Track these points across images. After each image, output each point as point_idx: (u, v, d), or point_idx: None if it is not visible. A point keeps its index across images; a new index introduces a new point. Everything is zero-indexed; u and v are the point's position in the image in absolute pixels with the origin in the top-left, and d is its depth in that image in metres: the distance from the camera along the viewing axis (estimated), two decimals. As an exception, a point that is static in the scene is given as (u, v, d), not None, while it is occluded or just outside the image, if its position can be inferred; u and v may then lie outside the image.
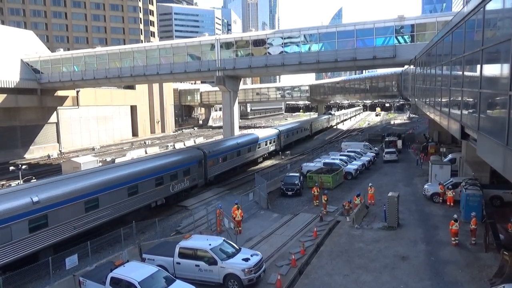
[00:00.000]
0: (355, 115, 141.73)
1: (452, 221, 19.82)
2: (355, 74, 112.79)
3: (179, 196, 31.62)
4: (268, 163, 50.83)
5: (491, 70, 11.13)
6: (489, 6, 11.07)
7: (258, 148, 48.80)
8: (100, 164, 43.26)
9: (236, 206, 24.05)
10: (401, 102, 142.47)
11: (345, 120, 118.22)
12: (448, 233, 20.87)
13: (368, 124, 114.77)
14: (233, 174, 42.40)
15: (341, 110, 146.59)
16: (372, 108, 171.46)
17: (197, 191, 35.02)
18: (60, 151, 66.53)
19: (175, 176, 30.51)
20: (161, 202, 29.29)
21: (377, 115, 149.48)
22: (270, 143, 53.12)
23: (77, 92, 67.47)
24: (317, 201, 28.84)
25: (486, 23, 11.32)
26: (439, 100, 21.41)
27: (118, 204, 24.85)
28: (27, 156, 61.67)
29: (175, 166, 30.74)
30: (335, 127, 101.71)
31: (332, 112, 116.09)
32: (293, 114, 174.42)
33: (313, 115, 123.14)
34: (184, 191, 32.14)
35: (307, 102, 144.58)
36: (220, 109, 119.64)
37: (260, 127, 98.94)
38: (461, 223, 19.76)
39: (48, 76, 58.05)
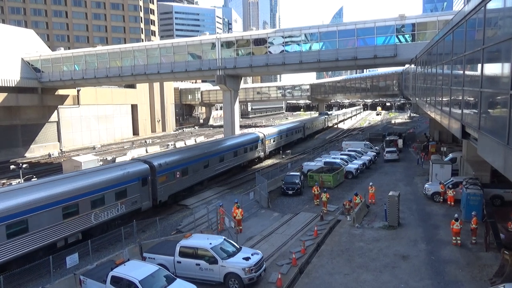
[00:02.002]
0: (355, 115, 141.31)
1: (453, 220, 19.81)
2: (356, 73, 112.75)
3: (111, 226, 24.49)
4: (268, 162, 50.81)
5: (492, 69, 11.11)
6: (490, 5, 11.05)
7: (235, 156, 41.52)
8: (101, 163, 43.27)
9: (236, 205, 24.05)
10: (402, 101, 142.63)
11: (344, 120, 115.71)
12: (448, 233, 20.87)
13: (369, 123, 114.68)
14: (200, 188, 35.59)
15: (341, 109, 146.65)
16: (373, 107, 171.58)
17: (197, 191, 34.97)
18: (60, 150, 66.59)
19: (100, 201, 23.47)
20: (76, 238, 22.09)
21: (377, 114, 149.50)
22: (251, 149, 46.07)
23: (78, 91, 67.51)
24: (318, 200, 28.85)
25: (487, 22, 11.30)
26: (440, 99, 21.38)
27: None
28: (28, 155, 61.74)
29: (100, 188, 23.56)
30: (335, 126, 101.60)
31: (329, 112, 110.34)
32: (294, 113, 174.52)
33: (314, 114, 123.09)
34: (120, 218, 25.07)
35: (307, 101, 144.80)
36: (220, 108, 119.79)
37: (260, 126, 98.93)
38: (462, 222, 19.73)
39: (48, 75, 58.09)
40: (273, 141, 54.04)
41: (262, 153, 50.00)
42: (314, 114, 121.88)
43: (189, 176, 32.90)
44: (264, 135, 50.33)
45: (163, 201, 29.28)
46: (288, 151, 56.98)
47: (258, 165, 48.20)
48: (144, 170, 27.53)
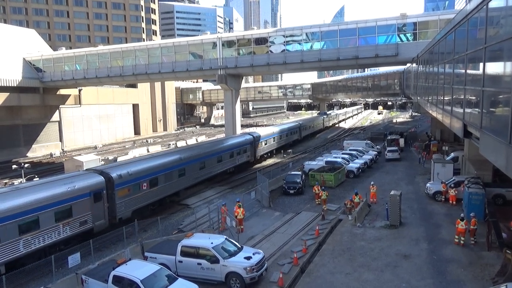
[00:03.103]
0: (356, 114, 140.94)
1: (459, 219, 19.73)
2: (357, 72, 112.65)
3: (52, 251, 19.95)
4: (270, 161, 50.81)
5: (494, 68, 11.08)
6: (492, 4, 11.02)
7: (219, 162, 37.73)
8: (103, 162, 43.31)
9: (237, 204, 24.06)
10: (403, 101, 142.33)
11: (343, 120, 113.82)
12: (450, 232, 20.84)
13: (370, 122, 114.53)
14: (176, 200, 31.68)
15: (342, 108, 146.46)
16: (374, 106, 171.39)
17: (198, 190, 34.96)
18: (62, 149, 66.69)
19: (33, 223, 19.42)
20: None
21: (379, 114, 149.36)
22: (239, 153, 41.84)
23: (79, 90, 67.60)
24: (319, 200, 28.82)
25: (489, 21, 11.26)
26: (442, 98, 21.33)
27: None
28: (29, 154, 61.86)
29: (32, 208, 19.47)
30: (336, 126, 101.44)
31: (328, 112, 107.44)
32: (295, 112, 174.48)
33: (315, 113, 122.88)
34: (63, 242, 21.01)
35: (309, 101, 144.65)
36: (222, 108, 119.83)
37: (262, 125, 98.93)
38: (467, 222, 19.66)
39: (50, 74, 58.19)
40: (265, 144, 50.15)
41: (252, 157, 45.74)
42: (315, 113, 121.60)
43: (159, 187, 28.57)
44: (254, 137, 46.35)
45: (124, 218, 25.07)
46: (289, 150, 56.95)
47: (259, 165, 48.19)
48: (97, 183, 23.50)
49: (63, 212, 21.03)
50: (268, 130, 54.64)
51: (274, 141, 53.72)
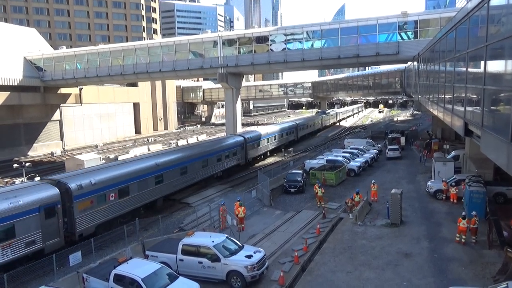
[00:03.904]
0: (356, 113, 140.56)
1: (460, 218, 19.72)
2: (358, 70, 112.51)
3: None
4: (271, 160, 50.81)
5: (495, 66, 11.05)
6: (493, 2, 11.00)
7: (204, 166, 34.81)
8: (103, 161, 43.34)
9: (238, 203, 24.07)
10: (404, 99, 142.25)
11: (343, 119, 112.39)
12: (451, 230, 20.83)
13: (371, 121, 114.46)
14: (152, 210, 28.50)
15: (343, 107, 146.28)
16: (375, 104, 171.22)
17: (198, 188, 34.96)
18: (63, 148, 66.77)
19: None
20: None
21: (380, 112, 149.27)
22: (227, 156, 39.01)
23: (80, 89, 67.63)
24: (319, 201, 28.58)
25: (490, 19, 11.24)
26: (443, 96, 21.30)
27: None
28: (30, 153, 61.94)
29: None
30: (337, 124, 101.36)
31: (327, 111, 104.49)
32: (296, 111, 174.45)
33: (315, 112, 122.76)
34: (1, 268, 17.87)
35: (310, 99, 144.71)
36: (222, 106, 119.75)
37: (262, 124, 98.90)
38: (468, 221, 19.64)
39: (51, 73, 58.19)
40: (258, 146, 46.96)
41: (243, 160, 42.91)
42: (316, 112, 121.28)
43: (131, 197, 25.82)
44: (245, 138, 43.31)
45: (87, 234, 22.11)
46: (290, 149, 56.93)
47: (260, 164, 48.19)
48: (49, 197, 20.54)
49: (3, 233, 18.27)
50: (262, 131, 51.39)
51: (268, 142, 50.78)
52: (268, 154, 51.65)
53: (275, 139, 53.59)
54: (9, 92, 55.14)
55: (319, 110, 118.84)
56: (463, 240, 19.57)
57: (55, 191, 21.13)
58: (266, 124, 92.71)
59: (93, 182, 23.29)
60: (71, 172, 26.97)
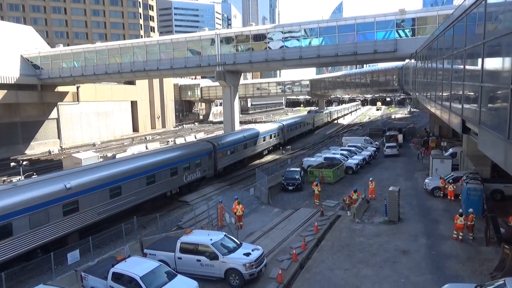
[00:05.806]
0: (354, 110, 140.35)
1: (457, 215, 19.78)
2: (356, 68, 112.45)
3: None
4: (269, 158, 50.80)
5: (493, 63, 11.07)
6: (491, -1, 11.00)
7: (150, 183, 27.58)
8: (101, 159, 43.25)
9: (236, 201, 24.07)
10: (402, 96, 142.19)
11: (339, 118, 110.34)
12: (448, 227, 20.90)
13: (369, 118, 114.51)
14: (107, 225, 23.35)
15: (340, 105, 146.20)
16: (373, 102, 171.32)
17: (197, 187, 34.96)
18: (61, 147, 66.59)
19: None
20: None
21: (378, 110, 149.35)
22: (187, 169, 32.08)
23: (77, 87, 67.37)
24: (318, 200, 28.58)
25: (487, 16, 11.25)
26: (440, 94, 21.34)
27: None
28: (28, 152, 61.75)
29: None
30: (335, 122, 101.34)
31: (321, 110, 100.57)
32: (293, 108, 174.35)
33: (313, 109, 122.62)
34: None
35: (307, 97, 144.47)
36: (220, 104, 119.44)
37: (260, 121, 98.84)
38: (465, 218, 19.70)
39: (48, 71, 57.95)
40: (231, 153, 40.23)
41: (211, 171, 36.40)
42: (308, 111, 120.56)
43: (17, 236, 18.80)
44: (213, 145, 36.83)
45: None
46: (288, 147, 56.93)
47: (258, 161, 48.19)
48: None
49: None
50: (237, 134, 44.14)
51: (245, 148, 43.98)
52: (246, 160, 45.16)
53: (255, 144, 47.08)
54: (6, 91, 54.89)
55: (316, 108, 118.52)
56: (460, 237, 19.64)
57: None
58: (265, 121, 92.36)
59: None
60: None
